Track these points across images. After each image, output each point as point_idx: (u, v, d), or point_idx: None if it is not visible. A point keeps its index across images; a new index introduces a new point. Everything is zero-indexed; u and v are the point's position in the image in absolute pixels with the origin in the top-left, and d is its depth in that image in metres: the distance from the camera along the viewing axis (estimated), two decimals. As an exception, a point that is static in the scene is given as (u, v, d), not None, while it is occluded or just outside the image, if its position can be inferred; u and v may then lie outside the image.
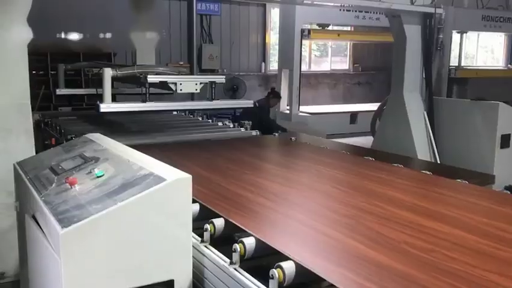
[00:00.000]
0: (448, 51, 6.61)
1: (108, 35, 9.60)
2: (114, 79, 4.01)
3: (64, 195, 1.95)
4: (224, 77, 4.45)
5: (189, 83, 3.99)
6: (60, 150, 2.72)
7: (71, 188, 1.99)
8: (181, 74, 4.20)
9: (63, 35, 9.29)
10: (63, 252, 1.62)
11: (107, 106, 3.80)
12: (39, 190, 2.10)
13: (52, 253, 1.74)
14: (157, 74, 4.05)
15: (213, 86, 4.18)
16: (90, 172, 2.10)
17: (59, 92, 5.63)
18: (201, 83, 4.05)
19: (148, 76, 3.89)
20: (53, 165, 2.37)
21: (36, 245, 2.03)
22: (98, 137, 2.71)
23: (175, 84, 3.96)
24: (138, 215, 1.72)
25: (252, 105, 4.56)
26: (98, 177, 2.02)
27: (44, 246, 1.85)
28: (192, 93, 4.45)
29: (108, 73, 3.86)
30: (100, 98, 3.97)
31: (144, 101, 3.96)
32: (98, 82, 4.18)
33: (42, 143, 4.60)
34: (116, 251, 1.70)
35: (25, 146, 3.36)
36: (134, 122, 5.07)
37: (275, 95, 8.04)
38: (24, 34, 3.39)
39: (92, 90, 5.19)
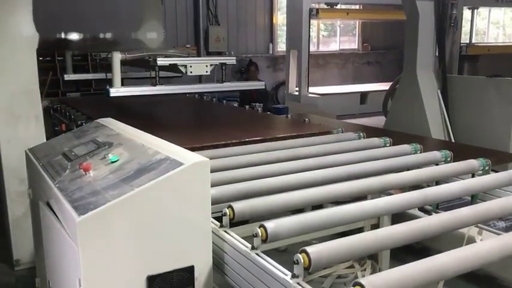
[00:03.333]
0: (460, 28, 6.46)
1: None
2: (123, 63, 3.97)
3: (79, 182, 1.91)
4: (234, 58, 4.42)
5: (199, 65, 3.96)
6: (72, 136, 2.68)
7: (86, 174, 1.94)
8: (191, 56, 4.14)
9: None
10: (81, 239, 1.59)
11: (117, 90, 3.79)
12: (53, 177, 2.07)
13: (69, 241, 1.70)
14: (166, 56, 3.99)
15: (224, 67, 4.14)
16: (104, 157, 2.05)
17: (67, 77, 5.64)
18: (211, 65, 4.02)
19: (158, 59, 3.86)
20: (66, 151, 2.33)
21: (51, 233, 2.00)
22: (109, 122, 2.66)
23: (186, 66, 3.93)
24: (155, 200, 1.68)
25: (263, 87, 4.50)
26: (112, 162, 1.97)
27: (60, 233, 1.81)
28: (200, 76, 4.39)
29: (117, 57, 3.84)
30: (109, 82, 3.93)
31: (154, 85, 3.93)
32: (107, 67, 4.16)
33: (52, 129, 4.58)
34: (134, 237, 1.66)
35: (36, 133, 3.33)
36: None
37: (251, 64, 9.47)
38: (30, 20, 3.33)
39: (101, 75, 5.14)
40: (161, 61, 3.86)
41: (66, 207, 1.72)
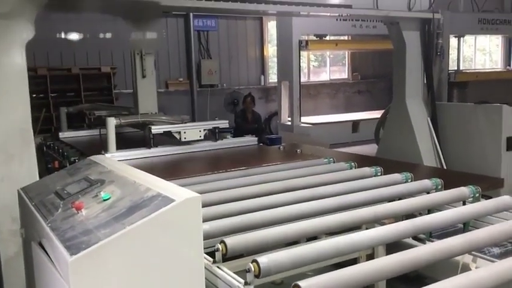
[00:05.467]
0: (447, 55, 6.60)
1: (107, 55, 9.62)
2: (117, 127, 4.09)
3: (71, 221, 1.91)
4: (227, 121, 4.62)
5: (192, 131, 4.18)
6: (65, 174, 2.69)
7: (78, 212, 1.94)
8: (184, 122, 4.34)
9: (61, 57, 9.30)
10: (73, 280, 1.58)
11: (112, 156, 3.85)
12: (45, 216, 2.06)
13: (61, 281, 1.69)
14: (160, 122, 4.22)
15: (217, 130, 4.37)
16: (97, 195, 2.06)
17: (62, 135, 5.54)
18: (204, 130, 4.25)
19: (153, 127, 4.07)
20: (58, 190, 2.33)
21: (43, 273, 1.99)
22: (102, 159, 2.68)
23: (179, 133, 4.14)
24: (147, 238, 1.68)
25: (256, 143, 4.65)
26: (104, 200, 1.98)
27: (52, 273, 1.80)
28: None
29: (111, 122, 3.94)
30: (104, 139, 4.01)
31: (149, 148, 4.12)
32: (101, 124, 4.27)
33: (45, 166, 4.58)
34: (127, 275, 1.65)
35: (28, 171, 3.32)
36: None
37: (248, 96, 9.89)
38: (23, 59, 3.37)
39: (95, 131, 5.24)
40: (155, 129, 4.06)
41: (58, 247, 1.72)
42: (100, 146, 4.01)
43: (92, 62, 9.55)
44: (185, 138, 4.15)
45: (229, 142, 4.50)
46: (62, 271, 1.70)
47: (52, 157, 4.63)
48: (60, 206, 2.13)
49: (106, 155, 3.78)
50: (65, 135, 5.56)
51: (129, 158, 3.96)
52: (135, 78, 5.19)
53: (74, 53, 9.40)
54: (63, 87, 9.13)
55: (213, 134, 4.37)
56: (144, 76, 5.10)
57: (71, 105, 8.73)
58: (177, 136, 4.13)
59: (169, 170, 3.79)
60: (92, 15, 8.52)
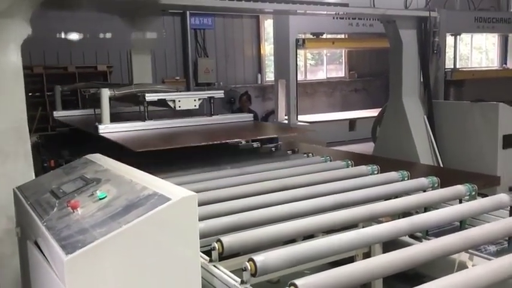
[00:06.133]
0: (444, 54, 6.61)
1: (104, 54, 9.59)
2: (112, 99, 3.95)
3: (67, 220, 1.90)
4: (222, 91, 4.43)
5: (187, 100, 4.01)
6: (61, 173, 2.68)
7: (74, 211, 1.93)
8: (179, 91, 4.19)
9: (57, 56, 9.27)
10: (69, 279, 1.57)
11: (106, 127, 3.76)
12: (40, 215, 2.05)
13: (57, 280, 1.69)
14: (155, 91, 4.02)
15: (212, 101, 4.20)
16: (92, 194, 2.05)
17: (56, 114, 5.51)
18: (199, 99, 4.06)
19: (147, 95, 3.88)
20: (54, 189, 2.32)
21: (39, 272, 1.98)
22: (98, 158, 2.66)
23: (174, 101, 3.96)
24: (143, 236, 1.67)
25: (252, 119, 4.53)
26: (100, 199, 1.97)
27: (48, 273, 1.79)
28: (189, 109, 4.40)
29: (105, 93, 3.82)
30: (98, 119, 3.92)
31: (143, 120, 3.94)
32: (95, 102, 4.15)
33: (41, 165, 4.55)
34: (123, 275, 1.65)
35: (24, 170, 3.31)
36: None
37: (244, 95, 9.74)
38: (19, 58, 3.36)
39: (90, 111, 5.15)
40: (150, 97, 3.88)
41: (53, 246, 1.71)
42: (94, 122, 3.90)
43: (88, 61, 9.53)
44: (180, 106, 3.99)
45: (225, 118, 4.43)
46: (57, 270, 1.69)
47: (48, 156, 4.61)
48: (56, 205, 2.12)
49: (100, 126, 3.71)
50: (60, 114, 5.51)
51: (123, 129, 3.83)
52: (130, 53, 5.28)
53: (70, 52, 9.38)
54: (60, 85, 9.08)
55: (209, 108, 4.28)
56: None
57: (67, 103, 8.76)
58: (172, 105, 3.98)
59: (164, 140, 3.72)
60: (88, 13, 8.51)
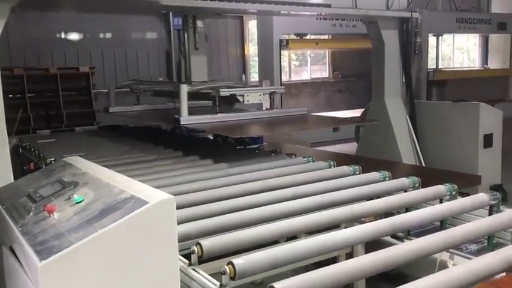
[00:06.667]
0: (426, 54, 6.67)
1: (85, 55, 9.49)
2: (189, 93, 4.33)
3: (42, 224, 1.86)
4: (283, 87, 4.96)
5: (254, 94, 4.49)
6: (39, 176, 2.63)
7: (50, 216, 1.89)
8: (246, 87, 4.76)
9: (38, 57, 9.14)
10: (43, 286, 1.53)
11: (186, 119, 4.16)
12: (16, 220, 2.01)
13: (31, 287, 1.65)
14: (227, 87, 4.49)
15: (272, 96, 4.64)
16: (69, 198, 2.01)
17: (111, 110, 5.88)
18: (264, 94, 4.57)
19: (221, 90, 4.32)
20: (31, 193, 2.27)
21: (14, 279, 1.93)
22: (77, 160, 2.62)
23: (243, 96, 4.39)
24: (120, 241, 1.64)
25: (306, 112, 5.02)
26: (77, 203, 1.93)
27: (23, 280, 1.75)
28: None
29: (184, 89, 4.23)
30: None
31: (216, 113, 4.38)
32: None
33: (20, 168, 4.48)
34: (99, 280, 1.61)
35: (2, 173, 3.24)
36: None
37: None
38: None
39: (141, 107, 5.81)
40: (224, 92, 4.29)
41: (28, 252, 1.67)
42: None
43: (70, 62, 9.41)
44: (248, 101, 4.42)
45: (282, 111, 4.89)
46: (32, 277, 1.65)
47: (28, 158, 4.54)
48: (32, 209, 2.08)
49: (181, 118, 4.13)
50: (115, 109, 5.88)
51: (201, 121, 4.25)
52: (187, 50, 5.55)
53: (52, 53, 9.24)
54: (41, 87, 8.96)
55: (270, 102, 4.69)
56: (196, 48, 5.46)
57: (48, 105, 8.65)
58: (241, 99, 4.37)
59: (234, 130, 4.20)
60: (69, 14, 8.41)
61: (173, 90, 4.93)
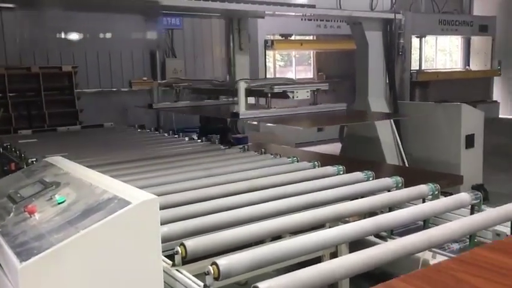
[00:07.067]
0: (409, 55, 6.74)
1: (68, 54, 9.38)
2: (246, 89, 4.64)
3: (23, 226, 1.83)
4: (327, 84, 5.22)
5: (302, 91, 4.82)
6: (20, 176, 2.59)
7: (31, 217, 1.87)
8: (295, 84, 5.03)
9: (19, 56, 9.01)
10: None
11: (244, 113, 4.51)
12: (-5, 221, 1.97)
13: (11, 289, 1.62)
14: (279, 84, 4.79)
15: (316, 92, 5.02)
16: (51, 198, 1.98)
17: (155, 106, 6.28)
18: (310, 90, 4.94)
19: (275, 87, 4.64)
20: (11, 193, 2.24)
21: (-6, 281, 1.90)
22: (58, 160, 2.59)
23: (293, 92, 4.71)
24: (102, 242, 1.62)
25: (345, 108, 5.28)
26: (59, 203, 1.90)
27: (2, 282, 1.72)
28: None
29: (243, 85, 4.59)
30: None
31: (268, 108, 4.74)
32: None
33: (1, 169, 4.41)
34: (81, 282, 1.59)
35: (-18, 174, 3.19)
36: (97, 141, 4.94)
37: None
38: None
39: (182, 103, 6.17)
40: (277, 89, 4.62)
41: (8, 254, 1.64)
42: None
43: (52, 61, 9.29)
44: (297, 96, 4.73)
45: (324, 106, 5.20)
46: (12, 279, 1.62)
47: (8, 159, 4.47)
48: (13, 210, 2.04)
49: (240, 112, 4.47)
50: (158, 105, 6.36)
51: (257, 116, 4.67)
52: (232, 50, 5.93)
53: (34, 52, 9.12)
54: (22, 86, 8.83)
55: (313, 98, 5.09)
56: (241, 49, 5.78)
57: (30, 105, 8.52)
58: (291, 95, 4.69)
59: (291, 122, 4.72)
60: (52, 12, 8.30)
61: (219, 88, 5.72)
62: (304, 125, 5.01)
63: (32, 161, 3.65)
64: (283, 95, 4.73)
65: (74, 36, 9.53)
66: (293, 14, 6.70)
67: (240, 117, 4.51)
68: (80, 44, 9.52)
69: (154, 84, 6.48)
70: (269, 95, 4.67)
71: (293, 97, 4.72)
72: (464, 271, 1.51)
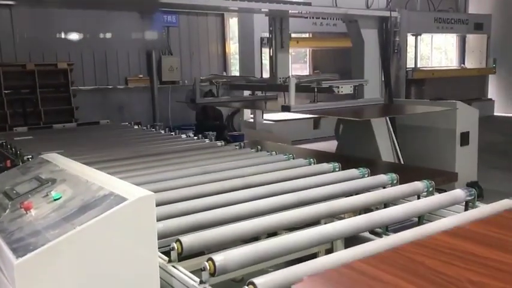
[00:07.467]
0: (405, 53, 6.76)
1: (64, 51, 9.36)
2: (296, 85, 4.99)
3: (19, 222, 1.83)
4: (367, 80, 5.60)
5: (346, 86, 5.27)
6: (16, 173, 2.59)
7: (27, 213, 1.87)
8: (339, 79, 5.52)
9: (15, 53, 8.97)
10: (19, 284, 1.51)
11: (295, 107, 4.92)
12: (-9, 218, 1.97)
13: (8, 286, 1.62)
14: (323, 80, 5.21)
15: (356, 87, 5.42)
16: (47, 195, 1.99)
17: (198, 101, 6.55)
18: (353, 86, 5.39)
19: (323, 82, 5.06)
20: (7, 190, 2.24)
21: (-10, 277, 1.90)
22: (54, 157, 2.59)
23: (338, 87, 5.14)
24: (98, 238, 1.63)
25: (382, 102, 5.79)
26: (55, 200, 1.91)
27: (-1, 278, 1.73)
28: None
29: (293, 81, 4.95)
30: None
31: (314, 102, 5.20)
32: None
33: (-4, 165, 4.40)
34: (77, 278, 1.60)
35: (-23, 171, 3.18)
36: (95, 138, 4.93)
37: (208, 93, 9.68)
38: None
39: (226, 98, 6.63)
40: (325, 83, 5.05)
41: (3, 250, 1.65)
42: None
43: (48, 58, 9.26)
44: (342, 91, 5.17)
45: (364, 100, 5.64)
46: (8, 275, 1.62)
47: (4, 156, 4.46)
48: (9, 206, 2.05)
49: (291, 106, 4.87)
50: (201, 100, 6.70)
51: (305, 109, 5.13)
52: (274, 48, 6.06)
53: (29, 49, 9.09)
54: (18, 83, 8.81)
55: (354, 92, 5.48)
56: (282, 47, 5.96)
57: (26, 102, 8.50)
58: (336, 90, 5.11)
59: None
60: (48, 10, 8.28)
61: (258, 84, 6.46)
62: (357, 117, 5.34)
63: (28, 158, 3.64)
64: (329, 90, 5.14)
65: (70, 33, 9.51)
66: (289, 11, 6.69)
67: (292, 110, 4.84)
68: (76, 42, 9.51)
69: (196, 80, 6.85)
70: (315, 90, 5.09)
71: (338, 92, 5.14)
72: (422, 254, 1.56)
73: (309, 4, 5.72)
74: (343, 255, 1.90)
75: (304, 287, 1.41)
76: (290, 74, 5.99)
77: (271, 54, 6.05)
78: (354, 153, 5.13)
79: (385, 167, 4.05)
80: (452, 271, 1.41)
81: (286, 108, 4.98)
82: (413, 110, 6.05)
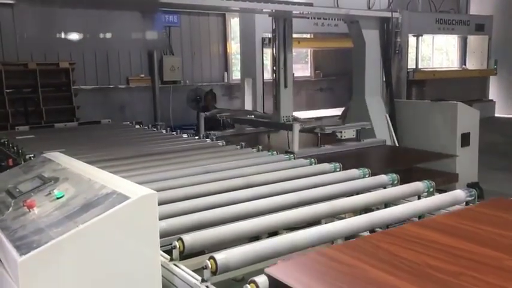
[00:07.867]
0: (406, 54, 6.77)
1: (65, 50, 9.37)
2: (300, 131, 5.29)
3: (22, 220, 1.84)
4: (370, 123, 5.62)
5: (348, 131, 5.49)
6: (18, 172, 2.60)
7: (30, 211, 1.88)
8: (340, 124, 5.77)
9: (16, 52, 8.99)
10: (23, 281, 1.52)
11: (299, 152, 4.90)
12: (-6, 216, 1.99)
13: (11, 283, 1.63)
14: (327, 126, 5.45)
15: (359, 131, 5.57)
16: (50, 193, 2.00)
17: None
18: (356, 129, 5.53)
19: (326, 128, 5.31)
20: (10, 188, 2.25)
21: (-7, 275, 1.91)
22: (56, 156, 2.60)
23: (341, 132, 5.40)
24: (101, 236, 1.64)
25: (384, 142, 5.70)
26: (57, 198, 1.92)
27: (2, 276, 1.74)
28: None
29: (297, 127, 5.27)
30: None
31: (318, 146, 5.37)
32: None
33: (-2, 165, 4.41)
34: (80, 276, 1.61)
35: (-21, 169, 3.20)
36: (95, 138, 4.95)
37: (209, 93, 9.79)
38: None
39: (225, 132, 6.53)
40: (328, 129, 5.33)
41: (7, 247, 1.66)
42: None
43: (49, 58, 9.27)
44: (344, 136, 5.37)
45: (369, 142, 5.68)
46: (11, 273, 1.64)
47: (6, 155, 4.47)
48: (12, 204, 2.06)
49: (295, 150, 4.99)
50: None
51: (307, 154, 4.68)
52: (278, 87, 6.24)
53: (31, 48, 9.10)
54: (19, 83, 8.82)
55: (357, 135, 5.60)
56: (286, 86, 6.12)
57: (27, 101, 8.51)
58: (339, 135, 5.35)
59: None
60: (49, 9, 8.29)
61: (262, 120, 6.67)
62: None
63: (30, 157, 3.67)
64: (333, 135, 5.39)
65: (71, 32, 9.52)
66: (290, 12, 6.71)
67: (296, 157, 4.78)
68: (77, 41, 9.51)
69: (200, 116, 7.06)
70: (319, 135, 5.36)
71: (341, 137, 5.39)
72: (388, 242, 1.65)
73: (311, 5, 5.72)
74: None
75: (277, 270, 1.48)
76: (292, 115, 6.18)
77: (274, 55, 6.05)
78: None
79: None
80: (413, 256, 1.52)
81: (290, 153, 4.90)
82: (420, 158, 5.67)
